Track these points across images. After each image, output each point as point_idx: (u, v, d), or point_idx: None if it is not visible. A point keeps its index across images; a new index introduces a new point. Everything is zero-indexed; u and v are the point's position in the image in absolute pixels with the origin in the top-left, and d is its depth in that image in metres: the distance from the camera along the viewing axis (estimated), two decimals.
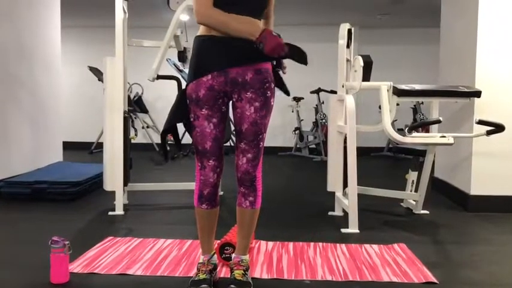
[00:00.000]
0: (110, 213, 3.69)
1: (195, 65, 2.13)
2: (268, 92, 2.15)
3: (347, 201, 3.40)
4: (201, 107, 2.11)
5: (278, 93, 2.29)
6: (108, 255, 2.68)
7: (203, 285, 2.14)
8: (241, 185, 2.20)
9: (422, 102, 7.66)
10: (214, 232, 2.33)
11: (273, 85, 2.18)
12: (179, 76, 5.62)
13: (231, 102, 2.19)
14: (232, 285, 2.14)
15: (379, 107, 3.65)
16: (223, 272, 2.43)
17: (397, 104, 3.71)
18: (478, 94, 3.65)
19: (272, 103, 2.19)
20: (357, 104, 3.48)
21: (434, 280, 2.36)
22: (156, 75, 3.89)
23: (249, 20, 2.06)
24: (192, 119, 2.15)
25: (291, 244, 2.93)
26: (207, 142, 2.14)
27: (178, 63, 5.02)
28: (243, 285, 2.15)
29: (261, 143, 2.18)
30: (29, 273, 2.40)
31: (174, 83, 5.33)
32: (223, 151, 2.22)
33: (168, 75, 4.40)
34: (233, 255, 2.31)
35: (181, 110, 2.18)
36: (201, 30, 2.14)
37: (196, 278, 2.19)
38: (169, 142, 8.33)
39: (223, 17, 2.02)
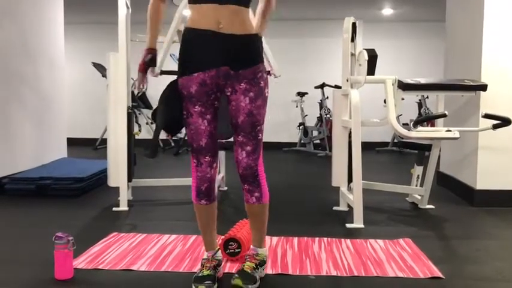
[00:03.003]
0: (114, 209, 3.68)
1: (185, 60, 2.10)
2: (262, 82, 2.12)
3: (352, 196, 3.39)
4: (194, 104, 2.09)
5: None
6: (112, 251, 2.67)
7: (207, 282, 2.12)
8: (245, 182, 2.17)
9: (427, 97, 7.63)
10: (215, 228, 2.31)
11: (265, 75, 2.15)
12: None
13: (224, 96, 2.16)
14: (236, 275, 2.14)
15: (384, 101, 3.63)
16: (227, 267, 2.42)
17: (402, 99, 3.68)
18: (484, 88, 3.62)
19: (267, 94, 2.16)
20: (361, 98, 3.44)
21: (440, 275, 2.35)
22: (159, 71, 3.87)
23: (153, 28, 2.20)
24: (185, 117, 2.13)
25: (295, 239, 2.92)
26: (202, 139, 2.12)
27: None
28: (246, 278, 2.12)
29: (260, 135, 2.15)
30: (33, 269, 2.40)
31: None
32: (218, 146, 2.20)
33: (172, 70, 4.37)
34: (251, 246, 2.31)
35: (174, 105, 2.13)
36: (190, 22, 2.10)
37: (200, 274, 2.17)
38: (173, 138, 8.34)
39: (149, 15, 2.22)
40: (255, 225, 2.27)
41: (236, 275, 2.13)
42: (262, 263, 2.23)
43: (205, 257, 2.26)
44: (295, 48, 7.92)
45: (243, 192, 2.21)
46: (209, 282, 2.12)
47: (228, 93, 2.11)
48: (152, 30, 2.21)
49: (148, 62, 2.18)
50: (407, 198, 4.08)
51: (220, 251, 2.34)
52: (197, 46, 2.07)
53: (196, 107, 2.09)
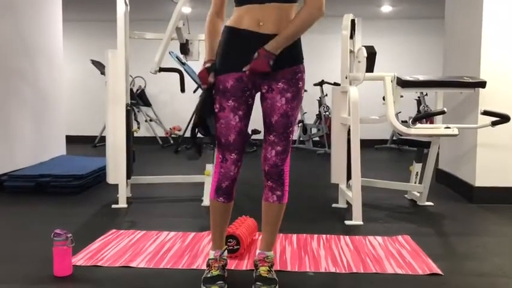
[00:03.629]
0: (113, 206, 3.68)
1: (224, 58, 2.08)
2: (300, 83, 2.11)
3: (351, 193, 3.39)
4: (228, 98, 2.07)
5: None
6: (112, 248, 2.67)
7: (219, 282, 2.09)
8: (269, 179, 2.15)
9: (426, 94, 7.63)
10: (227, 227, 2.29)
11: (304, 75, 2.13)
12: (182, 69, 5.59)
13: (258, 93, 2.13)
14: (258, 283, 2.08)
15: (383, 98, 3.63)
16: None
17: (401, 96, 3.68)
18: (482, 84, 3.62)
19: (303, 94, 2.14)
20: (360, 95, 3.44)
21: (439, 272, 2.35)
22: (158, 68, 3.87)
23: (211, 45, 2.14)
24: (217, 110, 2.09)
25: (294, 236, 2.92)
26: (231, 135, 2.08)
27: (181, 56, 5.00)
28: (269, 282, 2.09)
29: (291, 136, 2.14)
30: (32, 267, 2.40)
31: (177, 76, 5.33)
32: (246, 144, 2.17)
33: (171, 67, 4.37)
34: (258, 250, 2.25)
35: (207, 104, 2.10)
36: (231, 21, 2.09)
37: (209, 275, 2.13)
38: (172, 135, 8.34)
39: (207, 31, 2.16)
40: (269, 228, 2.22)
41: (259, 283, 2.08)
42: (272, 265, 2.21)
43: (211, 257, 2.21)
44: None
45: (264, 189, 2.18)
46: (221, 282, 2.09)
47: (264, 91, 2.10)
48: (210, 45, 2.16)
49: (209, 69, 2.10)
50: (406, 196, 4.08)
51: (226, 251, 2.29)
52: (236, 45, 2.06)
53: (230, 101, 2.06)
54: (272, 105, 2.08)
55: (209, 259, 2.22)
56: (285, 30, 2.01)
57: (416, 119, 3.38)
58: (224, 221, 2.23)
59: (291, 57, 2.07)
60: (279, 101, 2.07)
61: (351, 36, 3.63)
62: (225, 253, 2.25)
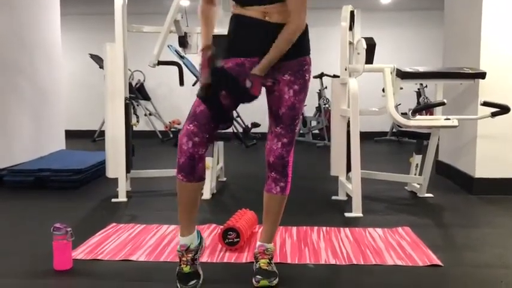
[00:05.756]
0: (113, 200, 3.68)
1: (229, 45, 2.04)
2: (307, 75, 2.08)
3: (350, 185, 3.39)
4: None
5: None
6: (111, 242, 2.67)
7: (192, 282, 2.03)
8: (273, 171, 2.13)
9: (426, 85, 7.62)
10: (195, 212, 2.11)
11: (310, 68, 2.11)
12: (180, 62, 5.58)
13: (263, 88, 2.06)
14: (258, 276, 2.07)
15: (383, 90, 3.62)
16: (226, 257, 2.42)
17: (401, 88, 3.67)
18: (482, 75, 3.61)
19: (308, 87, 2.11)
20: (360, 87, 3.42)
21: (439, 263, 2.35)
22: (157, 61, 3.86)
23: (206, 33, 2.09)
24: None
25: (294, 228, 2.92)
26: (200, 106, 1.97)
27: (180, 49, 4.99)
28: (269, 275, 2.08)
29: (297, 128, 2.13)
30: (32, 261, 2.40)
31: (176, 69, 5.32)
32: (211, 124, 1.98)
33: (170, 61, 4.35)
34: (258, 242, 2.24)
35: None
36: (238, 9, 2.03)
37: (182, 271, 2.08)
38: (172, 129, 8.33)
39: (200, 21, 2.10)
40: (270, 219, 2.21)
41: (259, 277, 2.06)
42: (272, 257, 2.20)
43: (178, 248, 2.11)
44: None
45: (267, 181, 2.17)
46: (194, 281, 2.04)
47: (269, 84, 2.06)
48: (204, 31, 2.11)
49: (213, 56, 2.01)
50: (406, 187, 4.08)
51: (194, 238, 2.12)
52: (241, 32, 2.03)
53: None
54: (280, 97, 2.06)
55: (177, 251, 2.12)
56: (268, 54, 1.95)
57: (416, 111, 3.38)
58: (188, 203, 2.06)
59: (296, 49, 2.02)
60: (287, 93, 2.05)
61: (350, 28, 3.62)
62: (192, 245, 2.10)
